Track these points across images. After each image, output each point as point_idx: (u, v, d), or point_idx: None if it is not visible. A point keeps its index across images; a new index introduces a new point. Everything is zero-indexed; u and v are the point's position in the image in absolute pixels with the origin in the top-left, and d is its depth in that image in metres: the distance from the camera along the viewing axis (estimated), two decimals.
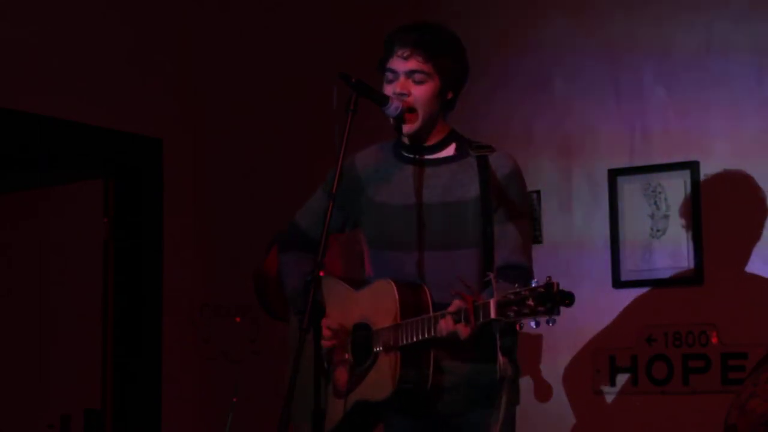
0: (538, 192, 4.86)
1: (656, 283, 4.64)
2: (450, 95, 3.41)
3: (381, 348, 3.29)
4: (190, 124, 5.85)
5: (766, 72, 4.52)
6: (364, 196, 3.47)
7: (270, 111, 5.67)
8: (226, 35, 5.83)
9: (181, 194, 5.81)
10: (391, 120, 3.38)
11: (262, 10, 5.77)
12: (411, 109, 3.35)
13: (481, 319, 3.07)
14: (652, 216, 4.68)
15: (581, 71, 4.85)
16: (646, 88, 4.72)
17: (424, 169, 3.40)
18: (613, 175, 4.75)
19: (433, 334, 3.17)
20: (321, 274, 3.09)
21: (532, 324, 2.97)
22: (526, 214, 3.45)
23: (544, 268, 4.31)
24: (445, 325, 3.13)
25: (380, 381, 3.27)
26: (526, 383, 4.69)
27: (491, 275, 3.09)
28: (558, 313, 2.93)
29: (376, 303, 3.34)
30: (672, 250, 4.62)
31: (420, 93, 3.35)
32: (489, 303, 3.04)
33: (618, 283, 4.70)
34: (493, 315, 3.03)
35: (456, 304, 3.13)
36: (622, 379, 4.68)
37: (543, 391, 4.77)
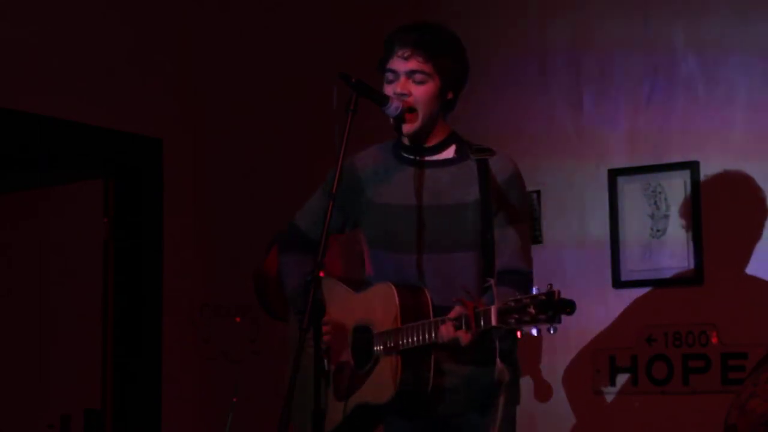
0: (538, 192, 4.85)
1: (656, 283, 4.64)
2: (450, 95, 3.41)
3: (382, 351, 3.29)
4: (190, 124, 5.85)
5: (766, 72, 4.52)
6: (364, 196, 3.47)
7: (270, 111, 5.66)
8: (226, 35, 5.83)
9: (181, 194, 5.80)
10: (391, 120, 3.38)
11: (262, 10, 5.77)
12: (411, 109, 3.35)
13: (482, 326, 3.07)
14: (652, 216, 4.68)
15: (581, 71, 4.85)
16: (646, 88, 4.72)
17: (424, 170, 3.40)
18: (613, 175, 4.75)
19: (433, 339, 3.17)
20: (321, 274, 3.09)
21: (533, 331, 2.97)
22: (526, 218, 3.45)
23: (544, 268, 4.35)
24: (446, 332, 3.14)
25: (381, 384, 3.27)
26: (526, 383, 4.69)
27: (492, 281, 3.09)
28: (559, 322, 2.92)
29: (376, 306, 3.34)
30: (672, 250, 4.62)
31: (420, 93, 3.35)
32: (490, 310, 3.04)
33: (618, 283, 4.70)
34: (494, 322, 3.03)
35: (457, 310, 3.13)
36: (622, 379, 4.68)
37: (543, 391, 4.77)
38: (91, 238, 5.75)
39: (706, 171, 4.57)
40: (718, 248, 4.53)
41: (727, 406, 3.65)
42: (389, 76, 3.38)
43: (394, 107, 3.33)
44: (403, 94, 3.34)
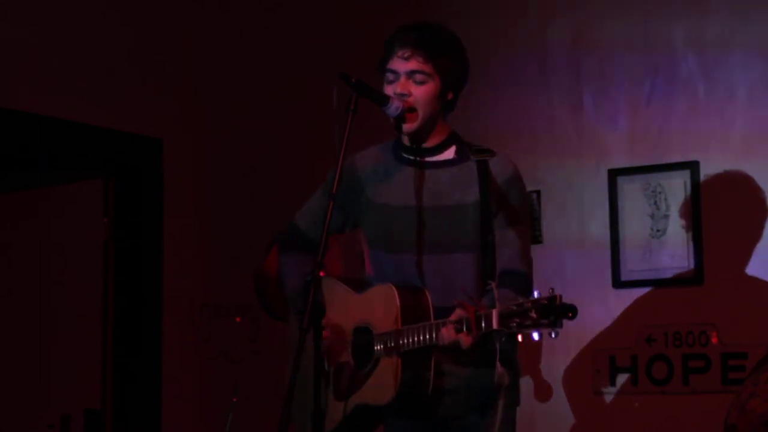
0: (538, 192, 4.85)
1: (656, 283, 4.64)
2: (450, 96, 3.41)
3: (382, 352, 3.29)
4: (190, 124, 5.85)
5: (767, 72, 4.52)
6: (364, 196, 3.47)
7: (270, 111, 5.66)
8: (226, 35, 5.83)
9: (181, 194, 5.80)
10: (392, 120, 3.38)
11: (262, 10, 5.77)
12: (411, 109, 3.35)
13: (483, 330, 3.07)
14: (652, 216, 4.68)
15: (581, 71, 4.85)
16: (646, 88, 4.72)
17: (424, 171, 3.40)
18: (613, 175, 4.75)
19: (434, 341, 3.17)
20: (321, 274, 3.09)
21: (534, 335, 2.97)
22: (526, 220, 3.45)
23: (544, 268, 4.35)
24: (447, 334, 3.13)
25: (381, 386, 3.27)
26: (526, 383, 4.69)
27: (493, 284, 3.09)
28: (561, 326, 2.92)
29: (377, 307, 3.33)
30: (672, 250, 4.62)
31: (420, 93, 3.34)
32: (491, 313, 3.04)
33: (618, 283, 4.70)
34: (495, 326, 3.03)
35: (458, 313, 3.13)
36: (622, 379, 4.68)
37: (543, 391, 4.77)
38: (91, 238, 5.75)
39: (706, 171, 4.57)
40: (718, 248, 4.53)
41: (727, 406, 3.65)
42: (389, 76, 3.37)
43: (394, 107, 3.33)
44: (403, 95, 3.34)
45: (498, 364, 3.14)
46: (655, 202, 4.67)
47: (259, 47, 5.73)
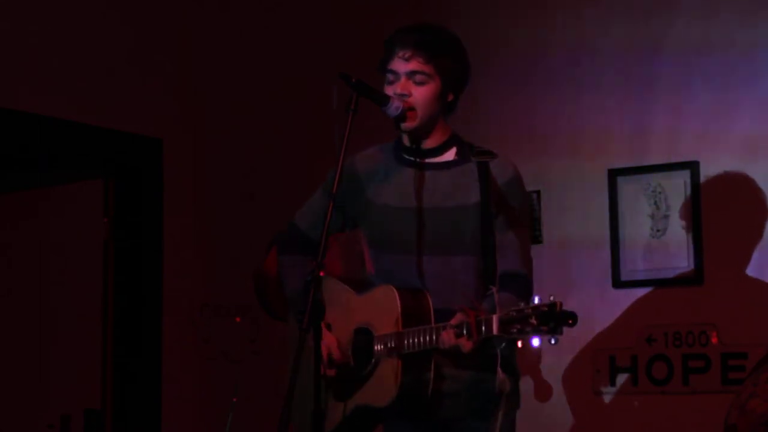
0: (538, 192, 4.85)
1: (656, 283, 4.64)
2: (450, 97, 3.40)
3: (383, 354, 3.29)
4: (190, 124, 5.84)
5: (766, 72, 4.52)
6: (364, 197, 3.47)
7: (270, 111, 5.66)
8: (226, 35, 5.83)
9: (181, 194, 5.80)
10: (392, 119, 3.37)
11: (262, 10, 5.76)
12: (411, 109, 3.35)
13: (484, 335, 3.07)
14: (652, 216, 4.68)
15: (581, 71, 4.85)
16: (646, 88, 4.72)
17: (424, 172, 3.40)
18: (613, 175, 4.75)
19: (434, 344, 3.17)
20: (321, 274, 3.08)
21: (534, 341, 2.97)
22: (527, 222, 3.46)
23: (544, 268, 4.34)
24: (447, 338, 3.13)
25: (381, 387, 3.27)
26: (526, 383, 4.69)
27: (494, 289, 3.09)
28: (561, 333, 2.92)
29: (377, 308, 3.33)
30: (672, 250, 4.62)
31: (421, 94, 3.34)
32: (492, 319, 3.04)
33: (618, 283, 4.70)
34: (495, 331, 3.03)
35: (458, 317, 3.13)
36: (622, 379, 4.68)
37: (543, 392, 4.77)
38: (91, 238, 5.75)
39: (706, 171, 4.57)
40: (718, 248, 4.53)
41: (727, 406, 3.65)
42: (390, 77, 3.37)
43: (394, 107, 3.32)
44: (403, 95, 3.33)
45: (499, 370, 3.13)
46: (655, 202, 4.67)
47: (259, 47, 5.73)
